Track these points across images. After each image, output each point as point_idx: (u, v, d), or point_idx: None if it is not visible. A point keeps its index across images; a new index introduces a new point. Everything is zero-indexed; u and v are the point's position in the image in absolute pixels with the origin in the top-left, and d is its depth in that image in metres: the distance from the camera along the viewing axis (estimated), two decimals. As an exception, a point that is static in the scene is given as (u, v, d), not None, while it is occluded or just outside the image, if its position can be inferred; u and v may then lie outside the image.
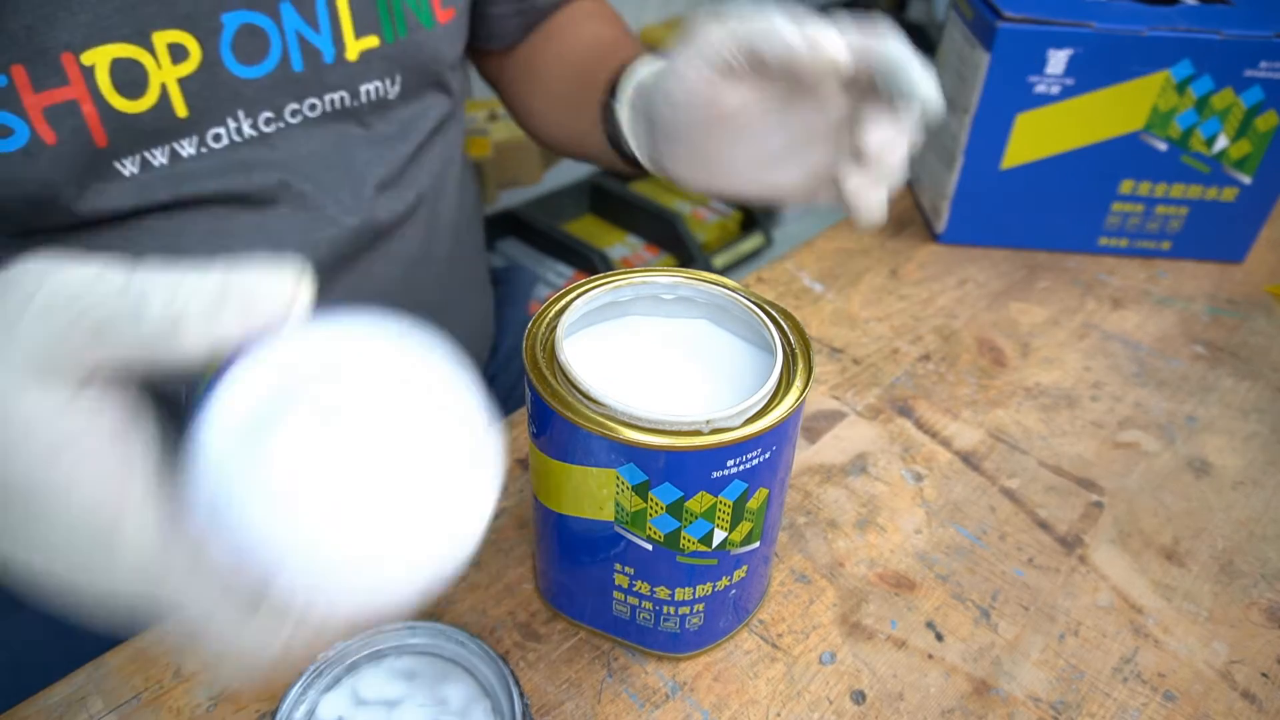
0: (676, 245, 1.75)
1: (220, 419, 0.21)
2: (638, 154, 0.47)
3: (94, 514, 0.22)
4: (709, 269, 0.66)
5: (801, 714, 0.38)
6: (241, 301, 0.21)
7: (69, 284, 0.22)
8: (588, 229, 1.79)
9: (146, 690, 0.38)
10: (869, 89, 0.37)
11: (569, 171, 1.78)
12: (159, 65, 0.41)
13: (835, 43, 0.35)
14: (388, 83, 0.50)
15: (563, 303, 0.36)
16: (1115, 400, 0.56)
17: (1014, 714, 0.38)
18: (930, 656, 0.41)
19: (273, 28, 0.44)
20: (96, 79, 0.39)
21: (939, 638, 0.41)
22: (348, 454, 0.21)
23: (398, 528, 0.22)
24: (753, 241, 2.07)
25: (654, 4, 2.14)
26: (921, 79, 0.35)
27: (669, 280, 0.38)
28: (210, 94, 0.43)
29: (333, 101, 0.48)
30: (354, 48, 0.48)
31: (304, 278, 0.22)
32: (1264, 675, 0.40)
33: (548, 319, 0.36)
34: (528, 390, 0.34)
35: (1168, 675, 0.40)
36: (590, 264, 1.65)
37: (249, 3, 0.43)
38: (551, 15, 0.63)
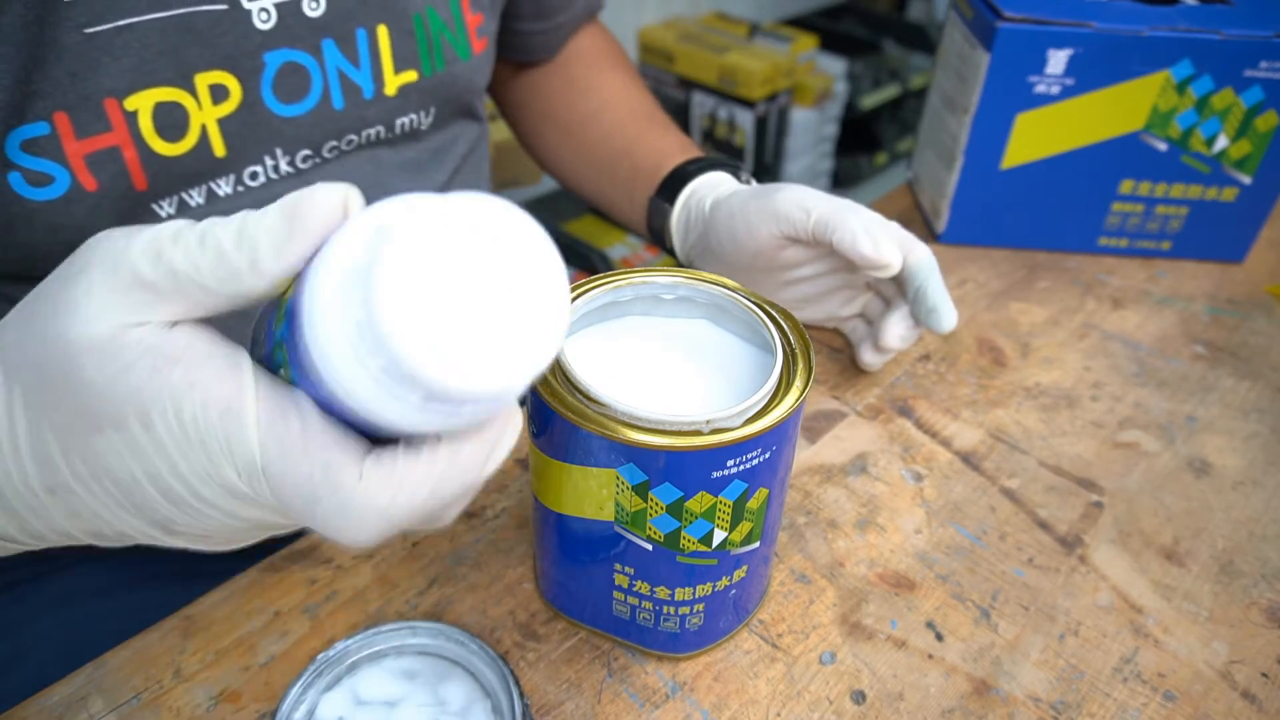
0: (676, 245, 1.75)
1: (321, 281, 0.22)
2: (677, 251, 0.56)
3: (216, 409, 0.23)
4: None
5: (801, 714, 0.38)
6: (303, 224, 0.23)
7: (157, 240, 0.23)
8: (588, 229, 1.79)
9: (146, 690, 0.38)
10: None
11: (569, 171, 1.77)
12: (200, 106, 0.41)
13: (894, 254, 0.46)
14: (422, 115, 0.50)
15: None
16: (1115, 400, 0.56)
17: (1014, 714, 0.38)
18: (930, 656, 0.41)
19: (314, 66, 0.44)
20: (139, 123, 0.39)
21: (939, 638, 0.41)
22: (454, 264, 0.22)
23: (510, 323, 0.23)
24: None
25: (653, 4, 2.14)
26: (942, 298, 0.49)
27: (669, 280, 0.38)
28: (249, 133, 0.43)
29: (369, 136, 0.48)
30: (393, 83, 0.47)
31: (350, 188, 0.24)
32: (1264, 675, 0.40)
33: None
34: (528, 390, 0.34)
35: (1168, 675, 0.40)
36: (590, 264, 1.65)
37: (291, 41, 0.42)
38: (568, 42, 0.65)
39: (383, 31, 0.46)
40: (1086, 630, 0.42)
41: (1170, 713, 0.39)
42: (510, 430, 0.25)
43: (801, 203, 0.48)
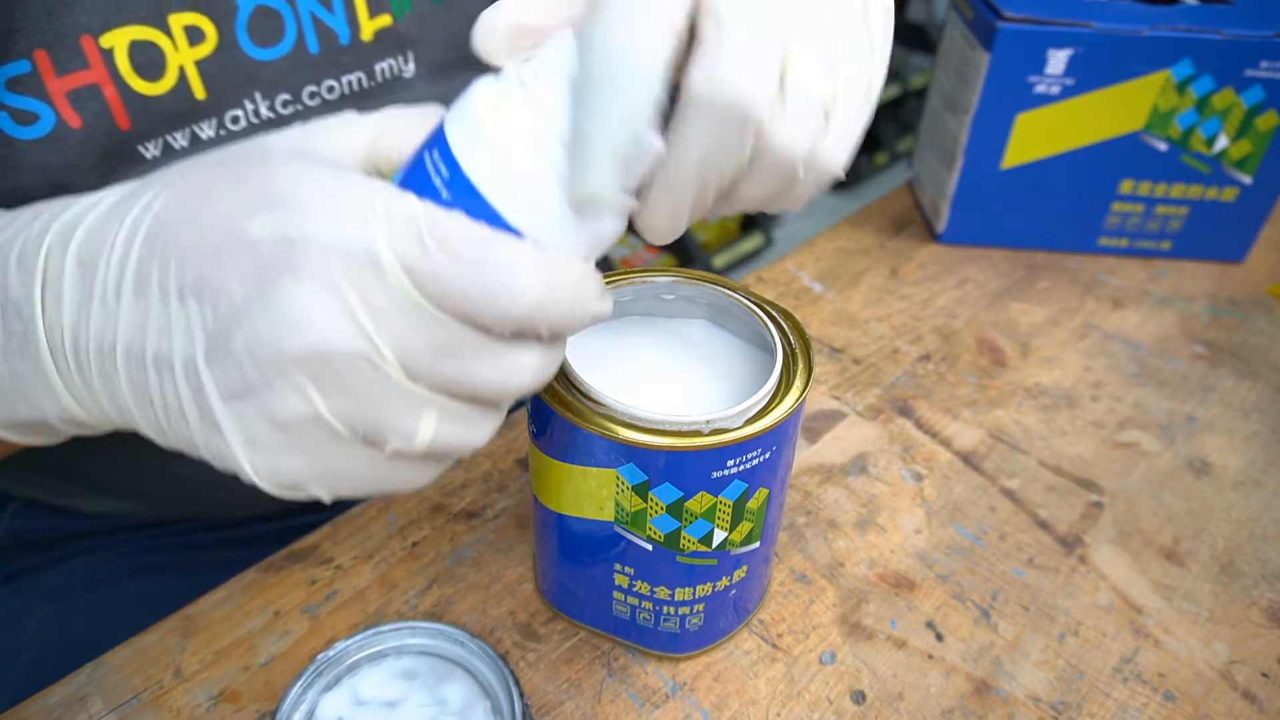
0: (676, 245, 1.75)
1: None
2: None
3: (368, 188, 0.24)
4: (709, 269, 0.66)
5: (801, 714, 0.38)
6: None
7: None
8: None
9: (146, 690, 0.38)
10: None
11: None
12: (176, 47, 0.41)
13: None
14: (401, 61, 0.50)
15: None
16: (1115, 400, 0.56)
17: (1014, 714, 0.38)
18: (930, 656, 0.41)
19: (286, 9, 0.44)
20: (116, 61, 0.40)
21: (939, 638, 0.41)
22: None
23: None
24: (753, 241, 2.07)
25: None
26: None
27: (669, 280, 0.38)
28: (228, 76, 0.43)
29: (350, 84, 0.48)
30: (368, 28, 0.47)
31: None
32: (1264, 675, 0.40)
33: None
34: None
35: (1168, 675, 0.40)
36: (590, 264, 1.65)
37: None
38: None
39: None
40: (1086, 630, 0.42)
41: (1170, 713, 0.39)
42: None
43: None
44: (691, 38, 0.23)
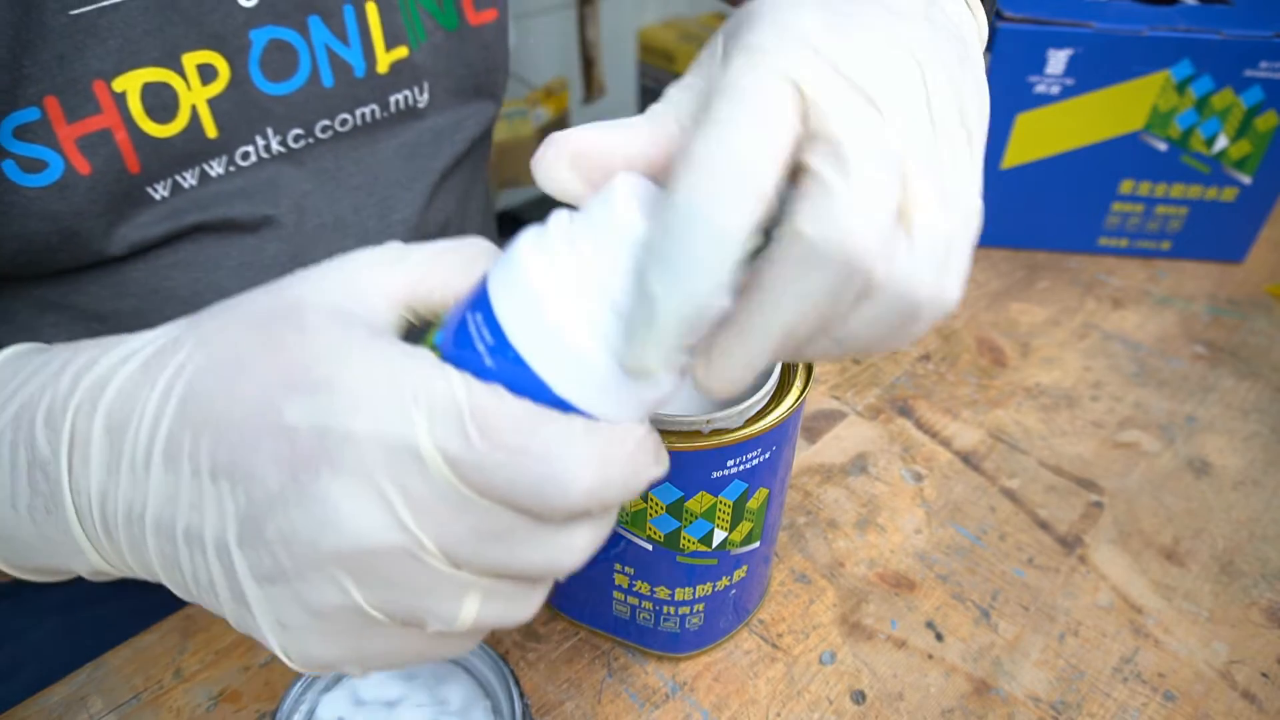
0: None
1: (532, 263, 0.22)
2: None
3: (413, 363, 0.23)
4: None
5: (801, 714, 0.38)
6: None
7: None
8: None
9: (146, 690, 0.38)
10: None
11: (569, 171, 1.78)
12: (189, 87, 0.41)
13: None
14: (416, 91, 0.49)
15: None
16: (1115, 400, 0.56)
17: (1014, 714, 0.38)
18: (930, 656, 0.41)
19: (301, 43, 0.44)
20: (128, 105, 0.39)
21: (939, 638, 0.41)
22: None
23: None
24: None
25: (654, 4, 2.14)
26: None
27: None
28: (239, 113, 0.43)
29: (363, 115, 0.48)
30: (385, 60, 0.47)
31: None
32: (1264, 675, 0.40)
33: None
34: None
35: (1168, 675, 0.40)
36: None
37: (277, 18, 0.42)
38: None
39: (371, 8, 0.45)
40: (1086, 630, 0.42)
41: (1170, 713, 0.39)
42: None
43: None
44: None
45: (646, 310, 0.20)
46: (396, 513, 0.21)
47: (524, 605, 0.24)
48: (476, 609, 0.23)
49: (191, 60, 0.40)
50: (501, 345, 0.22)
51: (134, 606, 0.53)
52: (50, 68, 0.36)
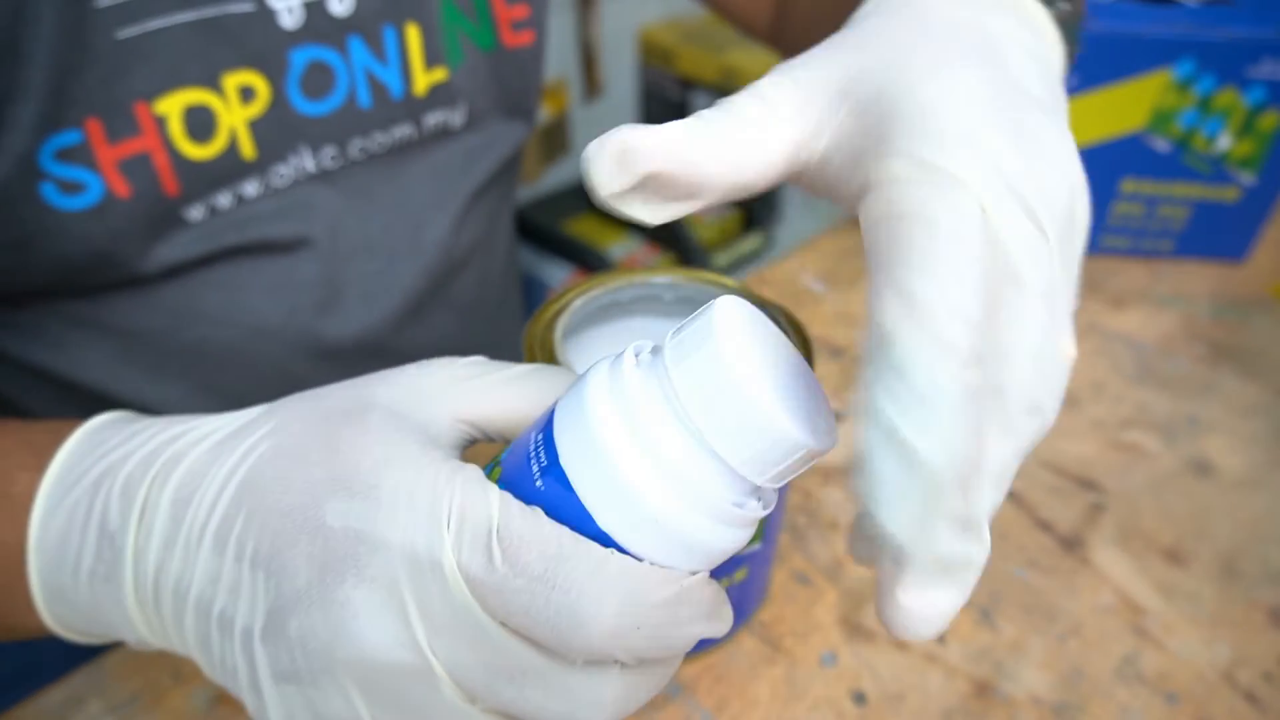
0: (676, 245, 1.75)
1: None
2: None
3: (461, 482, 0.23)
4: (709, 269, 0.66)
5: (802, 715, 0.38)
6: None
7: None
8: (588, 229, 1.79)
9: (145, 691, 0.38)
10: None
11: (569, 171, 1.78)
12: (229, 108, 0.41)
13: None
14: (453, 113, 0.49)
15: (562, 302, 0.36)
16: (1117, 400, 0.56)
17: (1015, 715, 0.38)
18: (931, 657, 0.40)
19: (340, 64, 0.43)
20: (169, 127, 0.39)
21: (940, 639, 0.41)
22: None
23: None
24: (753, 241, 2.06)
25: (654, 4, 2.14)
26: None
27: (669, 280, 0.38)
28: (277, 134, 0.43)
29: (399, 137, 0.48)
30: (423, 81, 0.47)
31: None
32: (1266, 676, 0.40)
33: (547, 319, 0.36)
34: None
35: (1170, 676, 0.40)
36: (590, 264, 1.65)
37: (317, 38, 0.42)
38: None
39: (412, 30, 0.45)
40: (1088, 631, 0.42)
41: (1172, 714, 0.39)
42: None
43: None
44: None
45: (914, 479, 0.19)
46: (413, 631, 0.21)
47: None
48: None
49: (232, 81, 0.40)
50: (553, 466, 0.21)
51: None
52: (93, 90, 0.36)
